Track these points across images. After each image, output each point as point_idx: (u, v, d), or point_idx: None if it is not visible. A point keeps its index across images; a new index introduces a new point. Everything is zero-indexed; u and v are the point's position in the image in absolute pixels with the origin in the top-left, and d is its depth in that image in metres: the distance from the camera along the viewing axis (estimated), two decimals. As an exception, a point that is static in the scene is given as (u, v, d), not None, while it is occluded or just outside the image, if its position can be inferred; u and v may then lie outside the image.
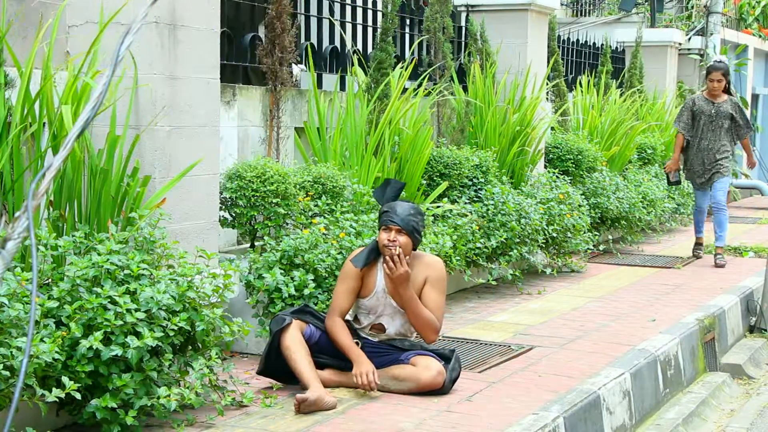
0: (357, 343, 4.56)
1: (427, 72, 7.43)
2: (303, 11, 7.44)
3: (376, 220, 5.55)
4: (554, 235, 7.51)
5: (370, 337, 4.66)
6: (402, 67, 6.93)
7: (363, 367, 4.43)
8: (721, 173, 8.59)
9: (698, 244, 9.13)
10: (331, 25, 7.52)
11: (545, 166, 8.62)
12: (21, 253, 4.03)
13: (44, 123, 4.27)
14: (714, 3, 13.76)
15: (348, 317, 4.67)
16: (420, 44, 8.07)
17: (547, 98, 9.34)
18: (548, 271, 7.71)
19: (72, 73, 4.30)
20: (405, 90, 6.77)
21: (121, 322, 3.70)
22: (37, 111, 4.24)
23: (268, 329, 4.70)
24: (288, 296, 4.83)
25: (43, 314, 3.67)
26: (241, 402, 4.26)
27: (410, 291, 4.52)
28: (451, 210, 6.58)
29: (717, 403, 5.69)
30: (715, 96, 8.65)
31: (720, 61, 8.73)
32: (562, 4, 13.82)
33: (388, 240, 4.50)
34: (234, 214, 5.47)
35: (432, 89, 7.40)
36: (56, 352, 3.50)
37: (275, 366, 4.52)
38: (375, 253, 4.60)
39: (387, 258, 4.46)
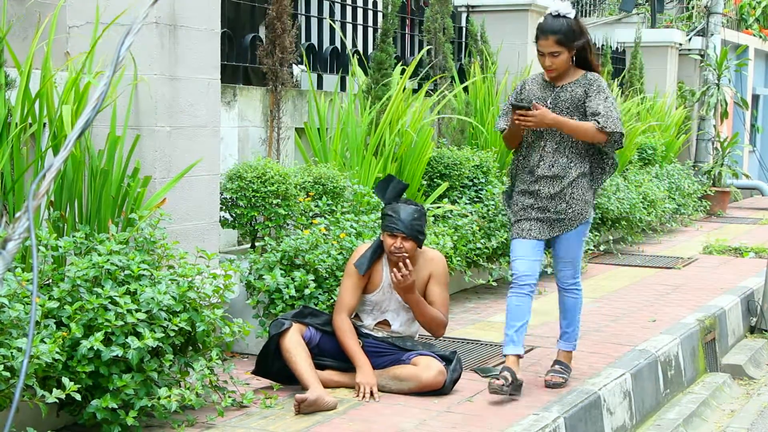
0: (360, 343, 4.56)
1: (426, 71, 7.43)
2: (303, 12, 7.44)
3: (377, 221, 5.56)
4: (555, 235, 7.50)
5: (374, 333, 4.66)
6: (402, 67, 6.93)
7: (366, 378, 4.44)
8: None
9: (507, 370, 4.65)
10: (332, 26, 7.52)
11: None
12: (21, 254, 4.03)
13: (44, 123, 4.27)
14: (714, 3, 13.76)
15: None
16: (420, 45, 8.07)
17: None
18: (549, 271, 7.70)
19: (72, 74, 4.30)
20: (410, 91, 6.77)
21: (121, 323, 3.70)
22: (38, 111, 4.24)
23: (268, 331, 4.71)
24: (288, 297, 4.83)
25: (44, 315, 3.66)
26: (241, 402, 4.26)
27: (416, 296, 4.56)
28: (451, 210, 6.58)
29: (717, 403, 5.68)
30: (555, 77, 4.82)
31: (559, 14, 4.58)
32: (562, 5, 13.79)
33: (395, 247, 4.51)
34: (234, 215, 5.47)
35: (433, 90, 7.40)
36: (57, 352, 3.50)
37: (275, 369, 4.52)
38: (377, 252, 4.61)
39: (394, 270, 4.48)
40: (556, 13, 4.59)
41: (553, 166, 4.63)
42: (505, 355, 4.59)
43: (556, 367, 4.81)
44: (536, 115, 4.46)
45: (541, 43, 4.61)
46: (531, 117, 4.46)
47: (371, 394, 4.41)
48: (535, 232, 4.64)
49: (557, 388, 4.67)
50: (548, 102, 4.65)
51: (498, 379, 4.41)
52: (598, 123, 4.55)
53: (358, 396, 4.41)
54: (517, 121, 4.50)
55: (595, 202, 8.05)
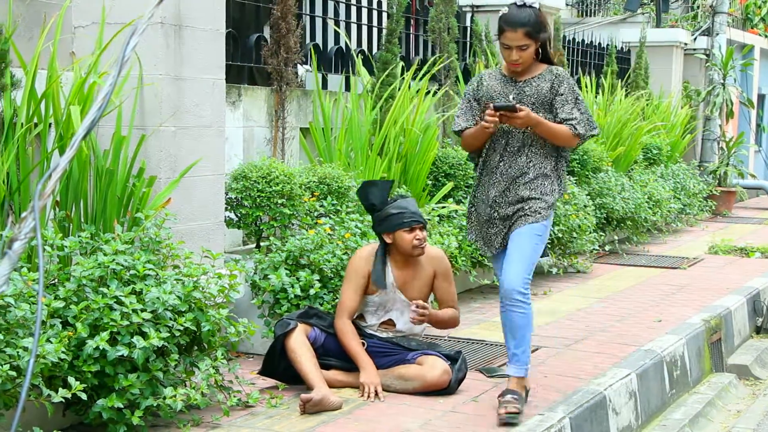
0: (363, 343, 4.56)
1: (431, 71, 7.43)
2: (308, 12, 7.44)
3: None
4: (560, 235, 7.50)
5: (378, 334, 4.65)
6: (407, 68, 6.94)
7: (370, 378, 4.44)
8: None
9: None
10: (337, 26, 7.53)
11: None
12: (27, 254, 4.03)
13: (50, 123, 4.28)
14: (720, 3, 13.74)
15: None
16: (425, 44, 8.07)
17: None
18: (554, 271, 7.70)
19: (78, 74, 4.31)
20: (415, 91, 6.76)
21: (127, 323, 3.70)
22: (43, 111, 4.25)
23: (273, 331, 4.71)
24: (293, 297, 4.83)
25: (50, 314, 3.67)
26: (246, 402, 4.27)
27: (433, 318, 4.61)
28: (456, 210, 6.58)
29: (723, 403, 5.68)
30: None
31: (524, 3, 4.33)
32: (567, 4, 13.82)
33: (417, 240, 4.53)
34: (239, 215, 5.47)
35: (437, 90, 7.40)
36: (62, 352, 3.50)
37: (280, 369, 4.53)
38: (385, 258, 4.60)
39: (414, 315, 4.52)
40: (522, 3, 4.30)
41: (511, 167, 4.34)
42: (508, 375, 4.32)
43: (508, 397, 4.16)
44: (522, 117, 4.20)
45: (508, 36, 4.27)
46: (517, 118, 4.20)
47: (376, 393, 4.41)
48: (497, 245, 4.42)
49: (512, 423, 4.06)
50: (511, 98, 4.33)
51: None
52: (575, 129, 4.30)
53: (362, 396, 4.41)
54: (495, 121, 4.21)
55: (600, 201, 7.94)
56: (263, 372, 4.57)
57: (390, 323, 4.67)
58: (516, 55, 4.28)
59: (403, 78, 6.77)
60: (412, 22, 8.42)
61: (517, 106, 4.19)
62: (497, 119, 4.19)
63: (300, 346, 4.43)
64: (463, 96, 4.48)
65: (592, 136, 4.42)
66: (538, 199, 4.30)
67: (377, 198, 4.59)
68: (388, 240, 4.56)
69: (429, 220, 6.23)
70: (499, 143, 4.37)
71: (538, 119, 4.25)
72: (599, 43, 12.13)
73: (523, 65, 4.32)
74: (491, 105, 4.20)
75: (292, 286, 4.82)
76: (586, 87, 10.11)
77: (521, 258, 4.22)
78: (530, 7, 4.30)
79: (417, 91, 6.74)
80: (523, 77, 4.37)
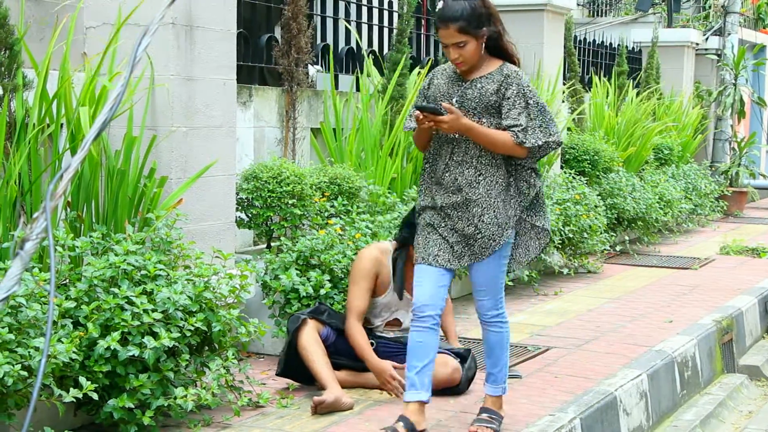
0: (372, 344, 4.56)
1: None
2: (319, 12, 7.45)
3: (393, 221, 5.56)
4: (570, 235, 7.49)
5: (385, 334, 4.66)
6: (419, 68, 6.93)
7: (385, 373, 4.44)
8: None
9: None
10: (347, 26, 7.53)
11: (561, 167, 8.60)
12: (39, 254, 4.05)
13: (62, 124, 4.29)
14: (731, 3, 13.70)
15: None
16: (436, 45, 8.07)
17: (563, 99, 9.32)
18: (565, 271, 7.69)
19: (89, 75, 4.32)
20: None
21: (138, 323, 3.71)
22: (55, 112, 4.26)
23: (285, 330, 4.71)
24: (304, 297, 4.84)
25: (61, 314, 3.68)
26: (257, 402, 4.27)
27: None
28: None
29: (735, 404, 5.66)
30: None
31: None
32: (578, 5, 13.80)
33: None
34: (250, 215, 5.48)
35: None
36: (74, 352, 3.51)
37: (295, 366, 4.52)
38: (403, 268, 4.59)
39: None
40: None
41: (457, 179, 3.87)
42: (405, 402, 3.93)
43: (483, 415, 4.05)
44: (447, 121, 3.77)
45: (441, 33, 3.84)
46: (442, 122, 3.78)
47: (394, 378, 4.40)
48: (441, 259, 3.90)
49: None
50: (454, 100, 3.89)
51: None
52: (517, 137, 3.82)
53: (391, 395, 4.40)
54: (423, 125, 3.83)
55: (611, 202, 7.82)
56: (282, 374, 4.55)
57: (396, 322, 4.67)
58: (454, 53, 3.84)
59: (417, 77, 6.77)
60: (423, 22, 8.42)
61: (446, 107, 3.78)
62: (431, 123, 3.80)
63: (312, 344, 4.43)
64: (418, 93, 4.13)
65: (549, 145, 3.87)
66: (491, 220, 3.86)
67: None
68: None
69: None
70: (445, 150, 3.92)
71: (470, 125, 3.79)
72: (610, 44, 12.11)
73: (467, 63, 3.86)
74: (416, 106, 3.86)
75: (303, 286, 4.83)
76: (597, 87, 10.09)
77: (491, 287, 3.97)
78: None
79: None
80: (472, 76, 3.92)
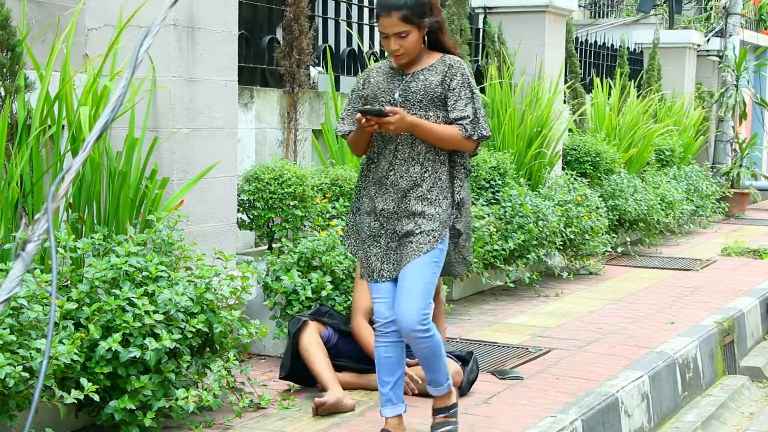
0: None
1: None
2: (320, 14, 7.45)
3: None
4: (572, 237, 7.49)
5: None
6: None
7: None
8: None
9: None
10: (349, 28, 7.53)
11: (563, 168, 8.60)
12: (40, 255, 4.05)
13: (63, 125, 4.29)
14: (733, 4, 13.70)
15: None
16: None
17: (564, 100, 9.32)
18: (566, 273, 7.69)
19: (91, 76, 4.32)
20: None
21: (139, 324, 3.71)
22: (56, 113, 4.26)
23: (286, 331, 4.71)
24: (305, 298, 4.84)
25: (62, 316, 3.68)
26: (258, 404, 4.27)
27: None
28: (468, 212, 6.57)
29: (736, 406, 5.66)
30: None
31: None
32: (579, 6, 13.79)
33: None
34: (252, 216, 5.48)
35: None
36: (75, 353, 3.52)
37: (296, 368, 4.52)
38: None
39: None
40: None
41: (403, 177, 3.71)
42: (384, 418, 3.86)
43: (439, 417, 3.92)
44: (394, 121, 3.59)
45: (382, 21, 3.64)
46: (388, 123, 3.60)
47: (411, 378, 4.39)
48: (387, 273, 3.74)
49: None
50: (396, 95, 3.71)
51: None
52: (466, 130, 3.68)
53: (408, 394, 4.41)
54: (368, 128, 3.64)
55: (613, 203, 7.85)
56: (286, 377, 4.55)
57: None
58: (395, 44, 3.64)
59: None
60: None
61: (389, 109, 3.59)
62: (374, 125, 3.62)
63: (313, 346, 4.43)
64: (350, 94, 3.89)
65: (483, 138, 3.73)
66: (431, 218, 3.67)
67: None
68: None
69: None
70: (388, 149, 3.74)
71: (416, 122, 3.64)
72: (612, 45, 12.11)
73: (407, 56, 3.68)
74: (358, 110, 3.68)
75: (304, 288, 4.83)
76: (598, 88, 10.09)
77: (418, 293, 3.64)
78: None
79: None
80: (412, 69, 3.74)
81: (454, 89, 3.71)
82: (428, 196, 3.69)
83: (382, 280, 3.75)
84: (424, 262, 3.66)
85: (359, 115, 3.63)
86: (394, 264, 3.74)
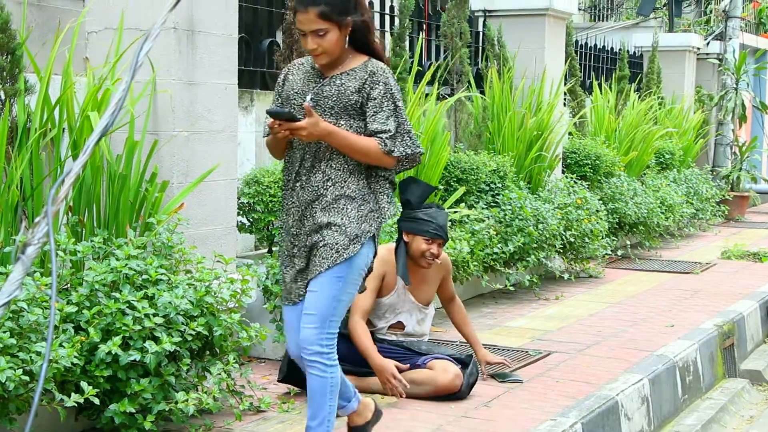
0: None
1: (443, 76, 7.43)
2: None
3: (393, 225, 5.56)
4: (572, 240, 7.49)
5: (388, 337, 4.66)
6: (419, 68, 6.94)
7: (387, 371, 4.42)
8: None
9: None
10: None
11: (563, 171, 8.61)
12: (40, 258, 4.05)
13: (63, 129, 4.30)
14: (733, 7, 13.71)
15: None
16: (438, 49, 8.07)
17: (564, 103, 9.32)
18: (566, 276, 7.69)
19: (92, 79, 4.33)
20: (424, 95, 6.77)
21: (139, 327, 3.71)
22: (57, 117, 4.26)
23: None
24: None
25: (62, 319, 3.68)
26: (258, 407, 4.27)
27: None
28: (468, 215, 6.58)
29: (736, 409, 5.66)
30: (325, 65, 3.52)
31: None
32: (579, 9, 13.81)
33: (430, 253, 4.57)
34: (252, 219, 5.48)
35: (449, 94, 7.40)
36: (75, 356, 3.51)
37: (296, 371, 4.52)
38: (405, 254, 4.61)
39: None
40: None
41: (304, 188, 3.39)
42: None
43: None
44: (306, 126, 3.27)
45: (299, 17, 3.32)
46: (300, 129, 3.29)
47: (400, 381, 4.38)
48: (303, 291, 3.43)
49: None
50: (308, 98, 3.39)
51: None
52: (385, 145, 3.34)
53: (387, 388, 4.40)
54: (280, 134, 3.32)
55: (613, 206, 7.83)
56: (284, 380, 4.55)
57: (399, 326, 4.69)
58: (312, 42, 3.31)
59: (417, 82, 6.77)
60: (424, 26, 8.42)
61: (306, 107, 3.30)
62: (286, 131, 3.31)
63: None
64: (275, 94, 3.57)
65: (414, 157, 3.39)
66: (338, 228, 3.32)
67: (415, 197, 4.62)
68: (406, 239, 4.60)
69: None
70: (295, 157, 3.42)
71: (331, 130, 3.31)
72: (612, 48, 12.11)
73: (327, 56, 3.34)
74: (267, 111, 3.38)
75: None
76: (598, 91, 10.09)
77: (318, 313, 3.33)
78: None
79: (427, 96, 6.74)
80: (331, 72, 3.41)
81: (374, 99, 3.36)
82: (334, 206, 3.35)
83: (300, 300, 3.39)
84: (325, 278, 3.32)
85: (269, 118, 3.35)
86: (303, 282, 3.41)
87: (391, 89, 3.38)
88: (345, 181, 3.37)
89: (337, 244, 3.32)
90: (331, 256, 3.31)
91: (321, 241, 3.33)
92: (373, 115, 3.36)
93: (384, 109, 3.36)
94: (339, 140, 3.33)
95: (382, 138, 3.35)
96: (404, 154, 3.37)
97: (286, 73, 3.52)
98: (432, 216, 4.57)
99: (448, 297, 4.91)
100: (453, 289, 4.94)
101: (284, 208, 3.47)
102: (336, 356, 3.43)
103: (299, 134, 3.30)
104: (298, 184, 3.40)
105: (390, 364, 4.44)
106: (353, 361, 4.56)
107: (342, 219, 3.34)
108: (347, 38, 3.38)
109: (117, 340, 3.65)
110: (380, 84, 3.37)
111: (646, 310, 6.78)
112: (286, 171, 3.47)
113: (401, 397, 4.41)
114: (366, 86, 3.36)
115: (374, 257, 3.46)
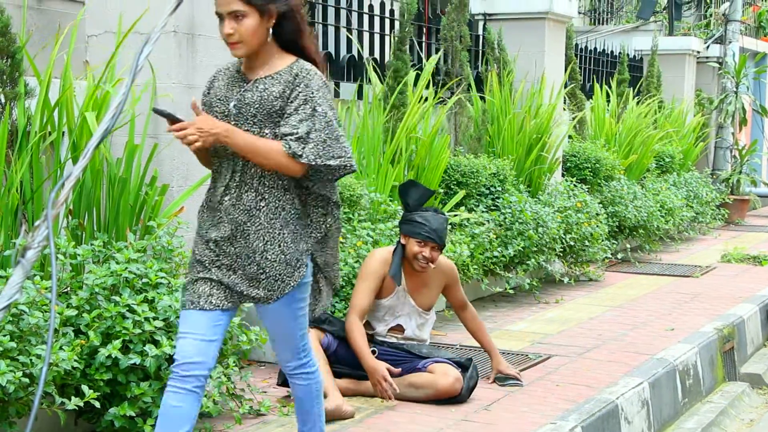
0: (374, 352, 4.57)
1: (442, 79, 7.44)
2: (320, 20, 7.46)
3: (394, 228, 5.56)
4: (572, 243, 7.49)
5: (388, 339, 4.67)
6: (417, 72, 6.94)
7: (378, 373, 4.42)
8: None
9: None
10: (350, 34, 7.54)
11: (563, 175, 8.61)
12: (40, 262, 4.05)
13: (63, 132, 4.30)
14: (732, 11, 13.71)
15: None
16: (437, 53, 8.07)
17: (564, 107, 9.32)
18: (566, 279, 7.69)
19: (92, 83, 4.33)
20: (424, 99, 6.77)
21: (139, 331, 3.71)
22: (57, 120, 4.27)
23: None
24: (305, 305, 4.83)
25: (62, 323, 3.68)
26: (258, 410, 4.27)
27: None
28: (468, 219, 6.58)
29: (736, 413, 5.65)
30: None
31: None
32: (579, 13, 13.81)
33: (423, 256, 4.56)
34: (251, 223, 5.47)
35: (449, 98, 7.40)
36: (75, 360, 3.52)
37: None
38: (402, 256, 4.62)
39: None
40: None
41: (235, 206, 3.07)
42: None
43: None
44: (193, 132, 2.94)
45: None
46: (190, 132, 2.95)
47: (389, 383, 4.38)
48: (215, 299, 3.09)
49: None
50: (231, 105, 3.07)
51: None
52: (289, 147, 2.98)
53: (377, 390, 4.40)
54: (184, 142, 2.98)
55: (613, 209, 7.84)
56: (283, 384, 4.54)
57: (398, 329, 4.69)
58: (228, 26, 2.98)
59: (417, 85, 6.77)
60: (424, 30, 8.42)
61: (193, 106, 3.02)
62: (179, 134, 2.97)
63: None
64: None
65: (338, 169, 3.05)
66: (277, 258, 3.07)
67: (413, 199, 4.64)
68: (402, 241, 4.61)
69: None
70: (226, 167, 3.10)
71: (227, 131, 2.98)
72: (611, 52, 12.12)
73: (245, 46, 3.01)
74: (153, 109, 3.11)
75: (304, 295, 4.82)
76: (598, 95, 10.10)
77: (287, 335, 3.23)
78: None
79: (426, 99, 6.74)
80: (255, 74, 3.09)
81: (292, 102, 3.02)
82: (270, 232, 3.06)
83: (208, 307, 3.05)
84: (279, 306, 3.13)
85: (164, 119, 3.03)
86: (226, 296, 3.10)
87: (313, 93, 3.03)
88: (279, 201, 3.07)
89: (281, 275, 3.08)
90: (279, 287, 3.09)
91: (262, 274, 3.08)
92: (287, 118, 3.02)
93: (299, 112, 3.01)
94: (236, 142, 2.99)
95: (287, 141, 3.00)
96: (314, 161, 3.00)
97: (212, 78, 3.22)
98: (426, 219, 4.57)
99: (460, 305, 4.89)
100: (464, 297, 4.91)
101: (211, 219, 3.12)
102: (314, 359, 3.37)
103: (189, 140, 2.95)
104: (227, 198, 3.08)
105: (382, 367, 4.44)
106: (353, 365, 4.56)
107: (280, 246, 3.07)
108: (270, 32, 3.04)
109: (117, 343, 3.65)
110: (302, 86, 3.03)
111: (646, 313, 6.78)
112: (213, 181, 3.15)
113: (390, 399, 4.42)
114: (287, 89, 3.03)
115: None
